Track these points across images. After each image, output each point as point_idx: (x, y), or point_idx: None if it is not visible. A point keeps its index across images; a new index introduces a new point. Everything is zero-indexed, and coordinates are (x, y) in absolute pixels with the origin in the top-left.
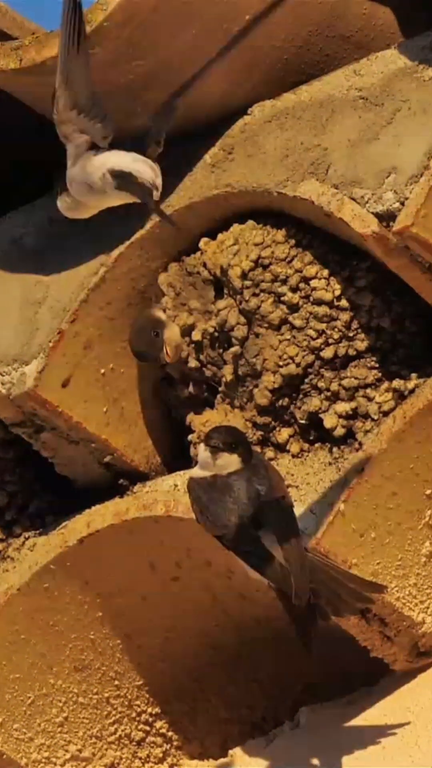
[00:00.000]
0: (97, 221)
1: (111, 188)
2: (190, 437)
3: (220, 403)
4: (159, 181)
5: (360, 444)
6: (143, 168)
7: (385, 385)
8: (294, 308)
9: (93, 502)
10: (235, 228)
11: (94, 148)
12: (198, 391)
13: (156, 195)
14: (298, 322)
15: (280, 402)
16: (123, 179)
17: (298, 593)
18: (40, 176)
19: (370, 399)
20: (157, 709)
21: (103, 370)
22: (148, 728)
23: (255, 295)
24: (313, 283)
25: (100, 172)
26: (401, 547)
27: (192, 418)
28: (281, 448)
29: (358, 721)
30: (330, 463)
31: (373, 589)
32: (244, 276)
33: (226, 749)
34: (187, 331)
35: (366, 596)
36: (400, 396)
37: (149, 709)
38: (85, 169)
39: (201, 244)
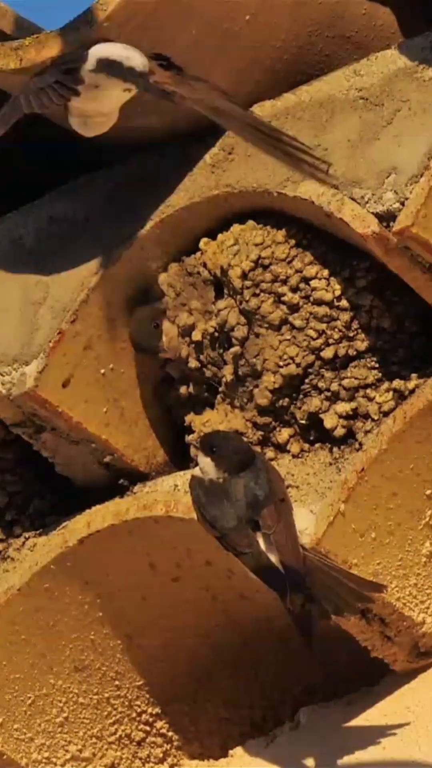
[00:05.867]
0: (97, 221)
1: (103, 79)
2: (190, 437)
3: (220, 403)
4: (148, 66)
5: (360, 444)
6: (132, 55)
7: (386, 385)
8: (294, 308)
9: (93, 502)
10: (236, 228)
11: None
12: (198, 391)
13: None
14: (298, 323)
15: (281, 402)
16: (112, 67)
17: (293, 596)
18: (40, 176)
19: (370, 399)
20: (158, 709)
21: (103, 370)
22: (148, 728)
23: (255, 295)
24: (314, 283)
25: (91, 63)
26: (401, 547)
27: (192, 418)
28: (281, 448)
29: (358, 721)
30: (330, 463)
31: (373, 589)
32: (244, 276)
33: (226, 749)
34: (187, 331)
35: (366, 596)
36: (401, 396)
37: (149, 709)
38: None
39: (201, 244)
